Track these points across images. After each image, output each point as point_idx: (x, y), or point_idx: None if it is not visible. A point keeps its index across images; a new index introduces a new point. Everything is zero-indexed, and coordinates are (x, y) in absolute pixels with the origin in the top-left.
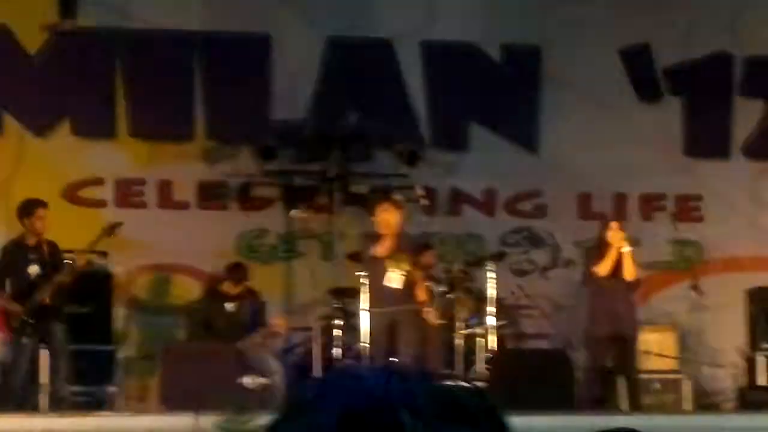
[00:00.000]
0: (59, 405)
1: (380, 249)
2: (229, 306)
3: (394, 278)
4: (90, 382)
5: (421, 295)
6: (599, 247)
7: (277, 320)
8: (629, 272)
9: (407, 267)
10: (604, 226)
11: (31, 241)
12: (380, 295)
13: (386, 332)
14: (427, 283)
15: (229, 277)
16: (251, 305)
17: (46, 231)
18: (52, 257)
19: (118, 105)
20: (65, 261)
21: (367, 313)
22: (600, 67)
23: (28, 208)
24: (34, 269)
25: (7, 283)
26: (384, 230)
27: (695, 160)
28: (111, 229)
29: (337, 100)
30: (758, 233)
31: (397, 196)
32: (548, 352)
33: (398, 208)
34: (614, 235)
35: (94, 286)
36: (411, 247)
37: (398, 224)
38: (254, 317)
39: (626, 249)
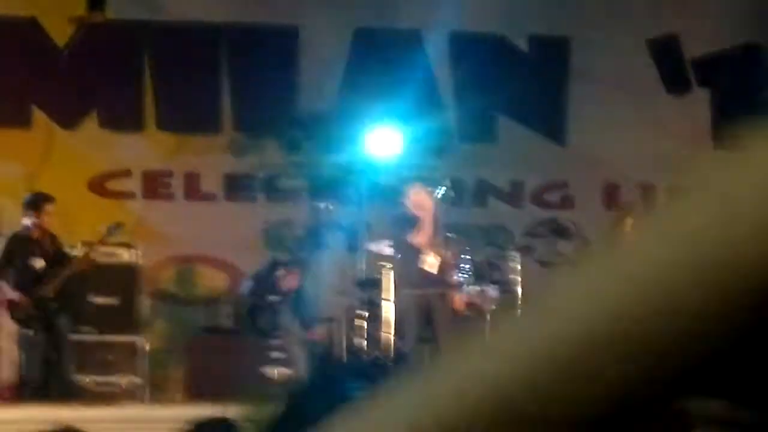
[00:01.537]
0: (73, 395)
1: (418, 234)
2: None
3: (432, 262)
4: (115, 372)
5: (454, 279)
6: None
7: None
8: None
9: (441, 252)
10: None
11: (35, 234)
12: (415, 278)
13: (420, 315)
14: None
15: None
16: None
17: (53, 227)
18: (55, 251)
19: (146, 97)
20: (73, 254)
21: (391, 303)
22: (628, 59)
23: (37, 203)
24: (39, 262)
25: (11, 275)
26: (418, 212)
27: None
28: (113, 230)
29: (364, 91)
30: None
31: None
32: None
33: (428, 191)
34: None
35: (120, 277)
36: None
37: (431, 206)
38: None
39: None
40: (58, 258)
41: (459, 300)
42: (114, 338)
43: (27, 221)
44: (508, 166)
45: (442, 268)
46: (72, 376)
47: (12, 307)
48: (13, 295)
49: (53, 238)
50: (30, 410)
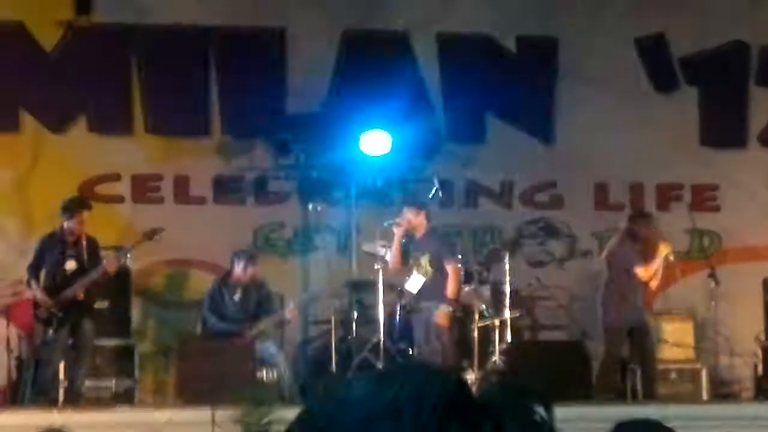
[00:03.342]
0: (76, 399)
1: (393, 257)
2: (236, 295)
3: (416, 282)
4: (108, 376)
5: (452, 286)
6: (642, 243)
7: (289, 309)
8: (658, 280)
9: (429, 267)
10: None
11: (71, 236)
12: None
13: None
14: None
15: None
16: (258, 293)
17: (84, 233)
18: (90, 254)
19: (135, 101)
20: (102, 259)
21: (381, 304)
22: (616, 58)
23: (72, 209)
24: (71, 265)
25: (42, 276)
26: (412, 232)
27: (712, 150)
28: (152, 233)
29: (353, 92)
30: None
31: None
32: (564, 344)
33: (422, 209)
34: (665, 247)
35: (112, 281)
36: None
37: (424, 226)
38: (263, 305)
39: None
40: (91, 261)
41: (440, 314)
42: (106, 342)
43: (65, 224)
44: (497, 166)
45: (428, 285)
46: (82, 381)
47: (36, 306)
48: (39, 294)
49: (91, 241)
50: (22, 415)
